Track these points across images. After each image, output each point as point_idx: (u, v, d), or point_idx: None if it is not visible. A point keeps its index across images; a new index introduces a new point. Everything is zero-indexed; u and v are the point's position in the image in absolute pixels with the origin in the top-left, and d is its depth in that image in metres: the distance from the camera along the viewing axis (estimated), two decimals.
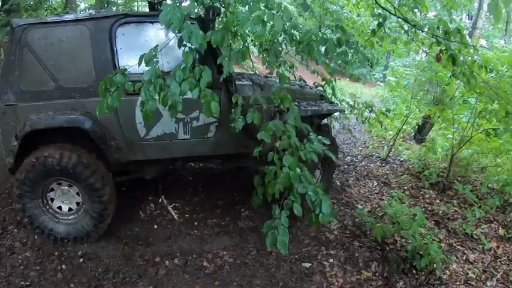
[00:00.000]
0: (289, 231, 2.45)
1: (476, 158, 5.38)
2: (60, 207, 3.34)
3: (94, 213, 3.26)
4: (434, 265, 3.29)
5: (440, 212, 4.34)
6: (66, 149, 3.14)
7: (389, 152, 6.20)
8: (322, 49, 2.88)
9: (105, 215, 3.30)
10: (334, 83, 3.85)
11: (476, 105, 4.87)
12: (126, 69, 2.23)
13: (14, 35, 3.07)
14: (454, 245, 3.81)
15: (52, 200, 3.31)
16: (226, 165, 4.06)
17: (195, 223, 3.79)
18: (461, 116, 5.51)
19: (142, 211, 3.87)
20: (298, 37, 3.00)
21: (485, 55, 4.25)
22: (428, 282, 3.25)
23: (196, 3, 2.32)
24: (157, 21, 2.50)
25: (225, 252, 3.42)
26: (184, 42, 2.18)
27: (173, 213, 3.86)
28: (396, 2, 3.87)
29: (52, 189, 3.29)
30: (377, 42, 4.51)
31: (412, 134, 7.53)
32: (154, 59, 2.14)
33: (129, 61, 2.92)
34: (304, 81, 4.44)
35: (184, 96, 2.25)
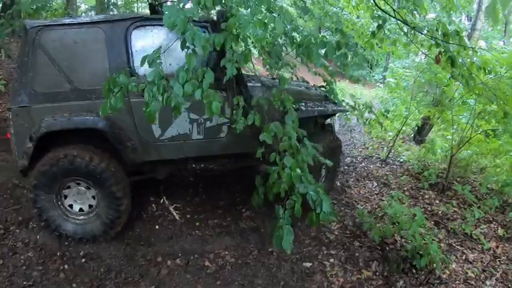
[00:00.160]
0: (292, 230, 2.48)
1: (475, 159, 5.40)
2: (71, 206, 3.35)
3: (107, 220, 3.30)
4: (434, 265, 3.32)
5: (439, 212, 4.37)
6: (96, 153, 3.18)
7: (389, 153, 6.22)
8: (322, 52, 2.92)
9: (117, 223, 3.35)
10: (334, 84, 3.90)
11: (475, 107, 4.90)
12: (129, 70, 2.26)
13: (27, 36, 3.07)
14: (454, 244, 3.83)
15: (65, 196, 3.33)
16: (234, 164, 4.11)
17: (197, 223, 3.82)
18: (460, 117, 5.54)
19: (144, 212, 3.90)
20: (298, 40, 3.04)
21: (484, 57, 4.27)
22: (428, 281, 3.27)
23: (199, 6, 2.34)
24: None
25: (226, 252, 3.45)
26: (187, 44, 2.21)
27: (175, 214, 3.89)
28: (396, 5, 3.91)
29: (69, 187, 3.31)
30: (377, 44, 4.54)
31: (412, 135, 7.56)
32: (158, 60, 2.16)
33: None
34: (307, 82, 4.49)
35: (198, 98, 2.29)
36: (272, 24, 2.60)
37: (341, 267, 3.38)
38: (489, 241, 3.90)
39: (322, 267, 3.36)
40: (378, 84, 15.30)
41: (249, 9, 2.52)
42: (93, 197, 3.34)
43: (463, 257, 3.65)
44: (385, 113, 5.44)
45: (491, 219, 4.30)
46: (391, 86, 7.24)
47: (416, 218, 3.59)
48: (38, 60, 3.07)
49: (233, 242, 3.59)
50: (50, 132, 3.04)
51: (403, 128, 6.61)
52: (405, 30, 3.90)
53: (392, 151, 6.33)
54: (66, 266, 3.15)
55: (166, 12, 2.13)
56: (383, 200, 4.63)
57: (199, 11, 3.08)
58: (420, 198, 4.76)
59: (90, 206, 3.36)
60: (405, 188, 5.02)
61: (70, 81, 3.14)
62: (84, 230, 3.33)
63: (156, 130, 3.35)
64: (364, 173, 5.54)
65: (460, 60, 3.32)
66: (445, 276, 3.35)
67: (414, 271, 3.35)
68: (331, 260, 3.45)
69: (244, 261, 3.37)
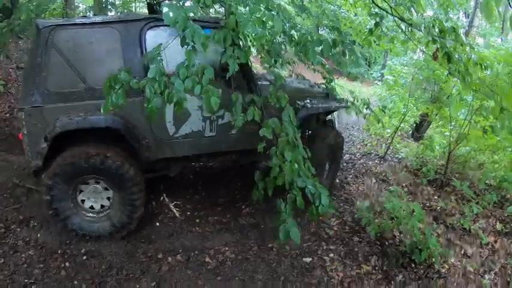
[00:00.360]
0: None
1: (473, 155, 5.44)
2: (83, 201, 3.36)
3: (118, 223, 3.33)
4: (433, 259, 3.35)
5: (438, 207, 4.40)
6: (127, 159, 3.21)
7: (387, 150, 6.25)
8: (319, 49, 2.95)
9: (126, 228, 3.40)
10: (333, 81, 3.95)
11: (472, 103, 4.93)
12: (130, 68, 2.28)
13: (40, 36, 3.05)
14: (452, 239, 3.86)
15: (81, 191, 3.34)
16: (242, 160, 4.16)
17: (197, 220, 3.84)
18: (458, 113, 5.56)
19: (145, 209, 3.91)
20: (296, 38, 3.07)
21: (481, 53, 4.30)
22: (427, 275, 3.30)
23: (198, 4, 2.36)
24: None
25: (226, 248, 3.47)
26: (187, 41, 2.23)
27: (175, 211, 3.91)
28: (393, 2, 3.93)
29: (87, 183, 3.32)
30: (374, 41, 4.57)
31: (410, 132, 7.59)
32: (158, 57, 2.19)
33: None
34: (306, 79, 4.53)
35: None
36: (271, 23, 2.63)
37: (340, 262, 3.41)
38: (487, 236, 3.93)
39: (322, 262, 3.38)
40: (376, 81, 15.33)
41: (248, 8, 2.55)
42: (108, 198, 3.36)
43: (462, 252, 3.68)
44: (382, 109, 5.46)
45: (490, 214, 4.34)
46: (389, 84, 7.26)
47: (415, 213, 3.62)
48: (51, 60, 3.06)
49: (233, 238, 3.61)
50: (65, 132, 3.03)
51: (401, 125, 6.64)
52: (403, 27, 3.92)
53: (391, 148, 6.36)
54: (67, 264, 3.16)
55: (165, 10, 2.15)
56: (382, 197, 4.66)
57: (199, 11, 3.11)
58: (419, 194, 4.79)
59: (102, 206, 3.38)
60: (404, 184, 5.05)
61: (84, 80, 3.13)
62: (91, 228, 3.34)
63: (171, 128, 3.39)
64: (362, 170, 5.57)
65: (456, 56, 3.35)
66: (444, 271, 3.38)
67: (413, 265, 3.38)
68: (331, 255, 3.47)
69: (245, 257, 3.39)
